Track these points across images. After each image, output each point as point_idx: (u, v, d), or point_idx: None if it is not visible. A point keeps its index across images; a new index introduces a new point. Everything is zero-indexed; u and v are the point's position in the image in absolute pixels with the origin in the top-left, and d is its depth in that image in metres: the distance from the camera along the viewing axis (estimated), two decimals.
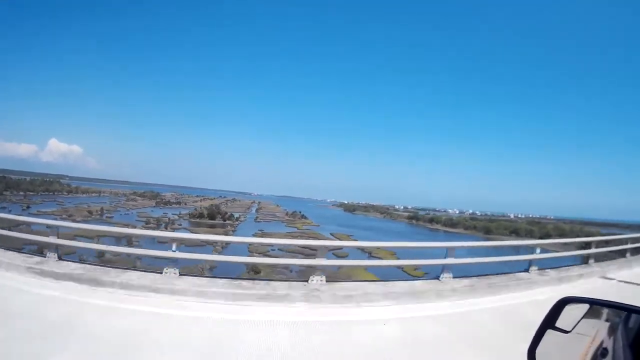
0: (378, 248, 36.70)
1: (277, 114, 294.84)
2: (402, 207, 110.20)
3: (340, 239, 55.27)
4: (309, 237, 51.23)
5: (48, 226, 8.30)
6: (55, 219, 21.64)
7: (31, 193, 58.92)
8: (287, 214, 72.56)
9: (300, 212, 72.85)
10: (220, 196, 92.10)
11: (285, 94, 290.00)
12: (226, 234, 45.95)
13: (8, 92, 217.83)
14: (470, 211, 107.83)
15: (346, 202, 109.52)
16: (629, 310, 1.77)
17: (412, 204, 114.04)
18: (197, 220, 54.06)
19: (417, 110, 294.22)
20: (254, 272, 27.71)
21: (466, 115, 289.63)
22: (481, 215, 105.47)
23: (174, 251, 7.19)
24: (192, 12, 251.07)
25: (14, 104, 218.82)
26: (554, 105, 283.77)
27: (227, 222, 55.00)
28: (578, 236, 57.81)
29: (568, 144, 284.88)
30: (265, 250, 39.22)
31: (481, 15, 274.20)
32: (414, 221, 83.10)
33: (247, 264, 25.52)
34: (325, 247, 8.32)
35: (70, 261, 7.80)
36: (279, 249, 40.12)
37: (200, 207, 59.63)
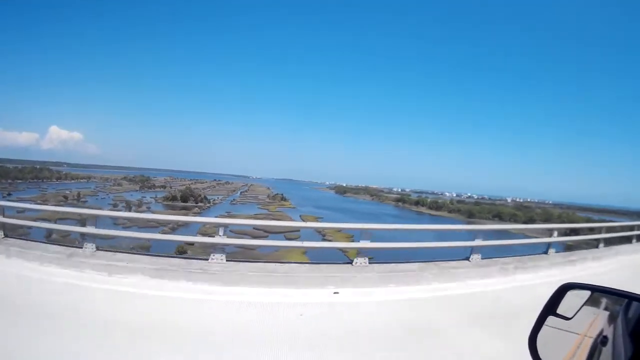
0: (340, 230, 37.95)
1: (279, 100, 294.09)
2: (399, 190, 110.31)
3: (305, 220, 56.37)
4: (273, 219, 53.01)
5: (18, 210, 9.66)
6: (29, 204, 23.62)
7: (19, 181, 61.95)
8: (268, 196, 74.26)
9: (281, 195, 74.38)
10: (215, 179, 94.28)
11: (286, 81, 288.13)
12: (185, 214, 47.80)
13: (9, 80, 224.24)
14: (468, 194, 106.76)
15: (344, 185, 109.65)
16: (631, 297, 1.73)
17: (412, 187, 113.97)
18: (170, 202, 56.56)
19: (419, 96, 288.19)
20: (178, 252, 29.45)
21: (469, 101, 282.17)
22: (478, 198, 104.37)
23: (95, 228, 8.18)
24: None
25: (15, 92, 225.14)
26: (557, 91, 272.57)
27: (199, 204, 57.25)
28: (563, 222, 57.54)
29: (574, 131, 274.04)
30: (213, 232, 41.08)
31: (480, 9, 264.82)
32: (400, 203, 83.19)
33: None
34: (224, 224, 8.87)
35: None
36: (230, 230, 42.06)
37: (175, 190, 62.26)
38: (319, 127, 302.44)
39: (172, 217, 25.39)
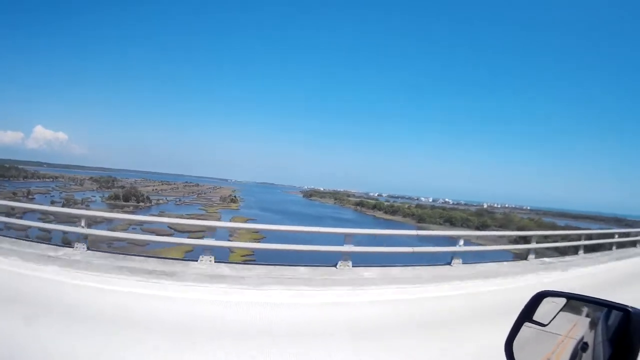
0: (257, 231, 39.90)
1: (264, 107, 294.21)
2: (376, 194, 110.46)
3: (235, 222, 58.23)
4: (201, 219, 55.17)
5: None
6: None
7: None
8: (221, 198, 76.76)
9: (234, 197, 77.15)
10: (187, 182, 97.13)
11: (271, 84, 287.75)
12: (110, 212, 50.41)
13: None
14: (445, 199, 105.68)
15: (322, 189, 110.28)
16: (605, 305, 1.79)
17: (389, 192, 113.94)
18: (112, 202, 59.83)
19: (404, 102, 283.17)
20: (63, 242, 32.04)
21: (455, 106, 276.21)
22: (454, 203, 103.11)
23: None
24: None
25: (2, 90, 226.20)
26: (548, 97, 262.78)
27: (139, 204, 60.27)
28: (513, 229, 56.76)
29: (561, 138, 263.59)
30: (125, 228, 43.73)
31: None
32: (358, 207, 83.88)
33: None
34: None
35: None
36: (140, 229, 44.70)
37: (119, 190, 65.46)
38: (303, 135, 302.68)
39: (78, 211, 28.13)
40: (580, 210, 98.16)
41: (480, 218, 71.97)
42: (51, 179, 75.84)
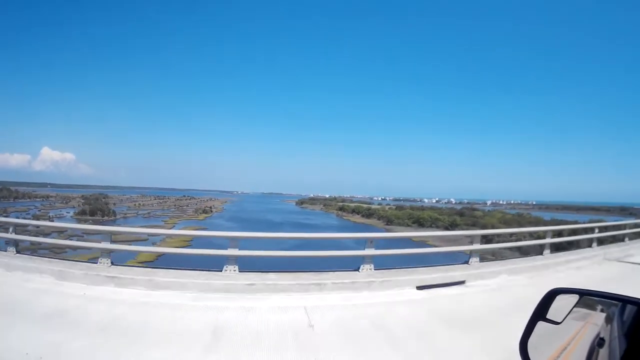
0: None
1: (268, 118, 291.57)
2: (380, 198, 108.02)
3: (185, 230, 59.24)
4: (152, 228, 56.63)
5: None
6: None
7: None
8: (195, 210, 78.49)
9: (208, 208, 78.68)
10: (183, 195, 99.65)
11: (274, 94, 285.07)
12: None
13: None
14: (448, 199, 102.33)
15: (326, 196, 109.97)
16: (619, 300, 1.78)
17: (394, 195, 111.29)
18: (80, 217, 62.92)
19: (405, 105, 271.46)
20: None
21: (456, 104, 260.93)
22: (456, 202, 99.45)
23: None
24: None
25: (8, 113, 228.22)
26: (549, 92, 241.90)
27: (104, 217, 62.93)
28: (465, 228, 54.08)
29: (567, 132, 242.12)
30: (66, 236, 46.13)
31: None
32: (340, 212, 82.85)
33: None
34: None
35: None
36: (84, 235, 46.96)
37: (86, 206, 68.23)
38: (309, 144, 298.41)
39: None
40: (587, 202, 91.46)
41: (451, 217, 68.20)
42: (41, 199, 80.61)
